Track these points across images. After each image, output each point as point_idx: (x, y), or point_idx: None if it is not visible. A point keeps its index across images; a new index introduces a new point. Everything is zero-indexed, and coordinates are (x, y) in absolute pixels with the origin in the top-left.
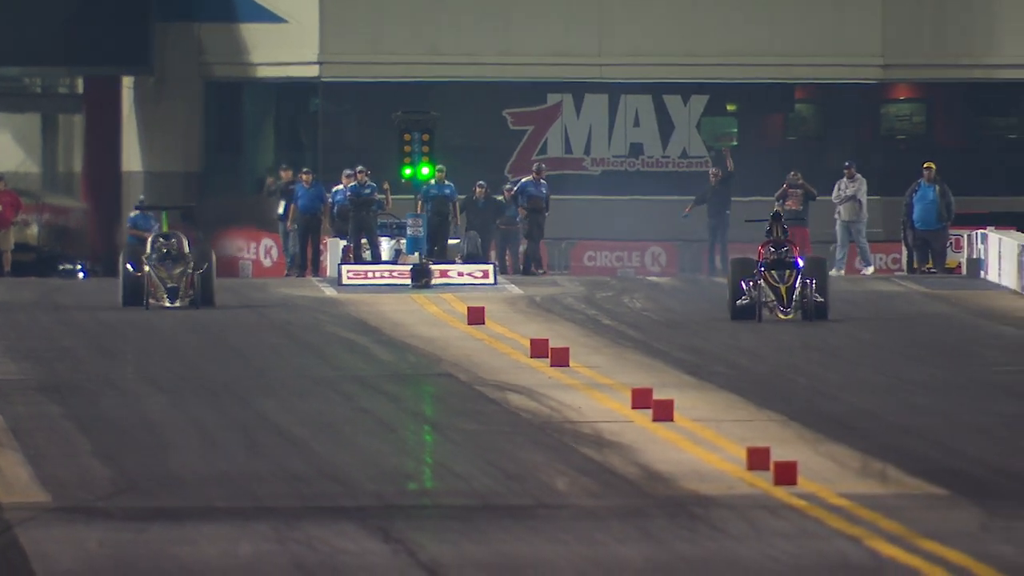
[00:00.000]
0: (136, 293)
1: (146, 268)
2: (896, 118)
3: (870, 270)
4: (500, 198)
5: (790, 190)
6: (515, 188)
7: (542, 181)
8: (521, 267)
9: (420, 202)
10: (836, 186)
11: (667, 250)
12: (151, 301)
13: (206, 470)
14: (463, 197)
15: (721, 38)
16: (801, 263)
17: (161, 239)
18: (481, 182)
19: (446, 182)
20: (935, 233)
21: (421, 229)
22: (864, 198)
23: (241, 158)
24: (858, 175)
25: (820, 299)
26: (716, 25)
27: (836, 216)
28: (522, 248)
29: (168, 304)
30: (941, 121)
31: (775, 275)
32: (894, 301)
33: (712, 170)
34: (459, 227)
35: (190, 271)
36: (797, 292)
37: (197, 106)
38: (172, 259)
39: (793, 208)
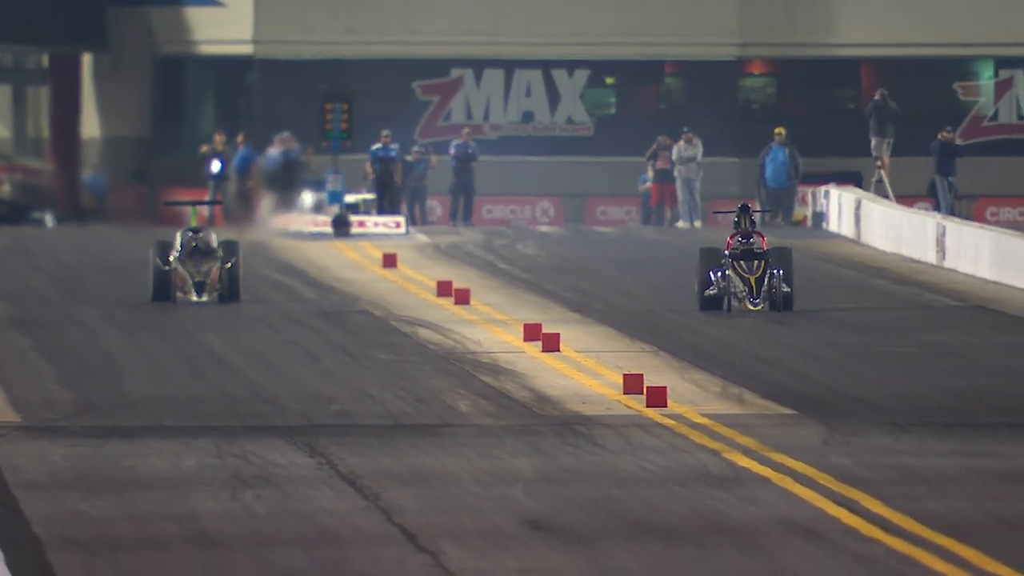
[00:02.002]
0: (165, 288)
1: (173, 263)
2: (751, 90)
3: (686, 224)
4: (409, 158)
5: (660, 151)
6: (453, 149)
7: (471, 142)
8: (461, 216)
9: (369, 163)
10: (675, 148)
11: (554, 204)
12: (179, 295)
13: (155, 394)
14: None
15: (601, 20)
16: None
17: (190, 233)
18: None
19: (391, 145)
20: (785, 190)
21: (340, 184)
22: (700, 159)
23: (185, 125)
24: (696, 139)
25: (787, 289)
26: (597, 9)
27: (676, 175)
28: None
29: (195, 298)
30: (790, 93)
31: (744, 266)
32: None
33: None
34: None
35: (218, 266)
36: (765, 283)
37: (147, 80)
38: (200, 253)
39: (662, 167)
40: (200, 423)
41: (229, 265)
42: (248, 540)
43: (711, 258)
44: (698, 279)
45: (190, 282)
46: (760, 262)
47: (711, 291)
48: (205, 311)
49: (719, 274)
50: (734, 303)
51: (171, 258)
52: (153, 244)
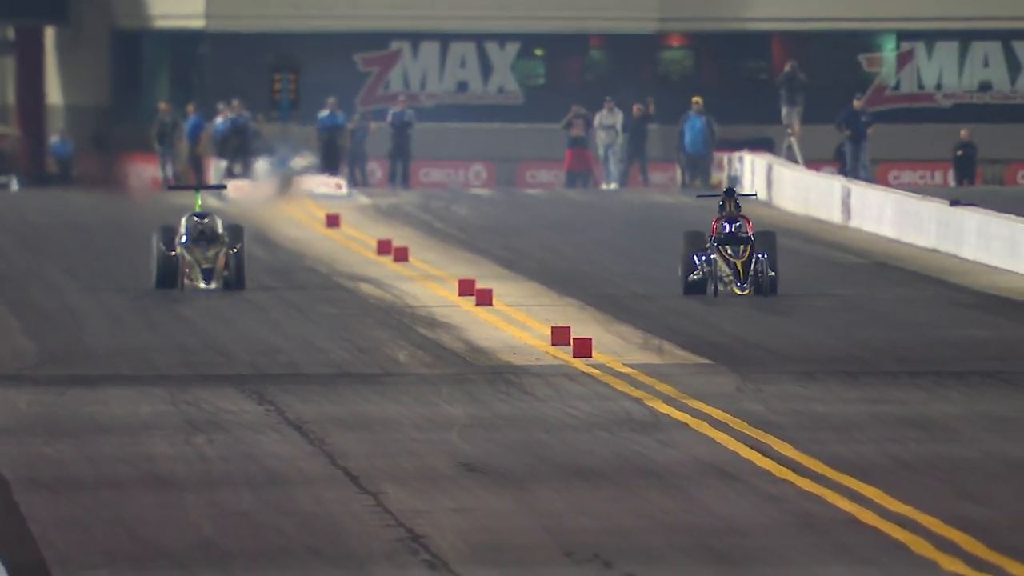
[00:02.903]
0: (170, 275)
1: (179, 249)
2: (671, 62)
3: (613, 186)
4: (350, 125)
5: (575, 119)
6: (390, 117)
7: (408, 110)
8: (400, 179)
9: (316, 129)
10: (597, 116)
11: (487, 168)
12: (185, 282)
13: (114, 345)
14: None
15: None
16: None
17: (195, 219)
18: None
19: (337, 112)
20: (702, 156)
21: (289, 150)
22: (619, 127)
23: (141, 95)
24: (616, 108)
25: (772, 273)
26: None
27: (597, 141)
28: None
29: (203, 285)
30: (706, 65)
31: (730, 250)
32: (668, 211)
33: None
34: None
35: (224, 251)
36: (751, 267)
37: (106, 52)
38: (207, 240)
39: (578, 134)
40: (156, 372)
41: (235, 251)
42: (200, 482)
43: (695, 242)
44: (682, 264)
45: (197, 269)
46: (746, 246)
47: (695, 275)
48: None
49: (703, 259)
50: (720, 288)
51: (176, 244)
52: (157, 230)
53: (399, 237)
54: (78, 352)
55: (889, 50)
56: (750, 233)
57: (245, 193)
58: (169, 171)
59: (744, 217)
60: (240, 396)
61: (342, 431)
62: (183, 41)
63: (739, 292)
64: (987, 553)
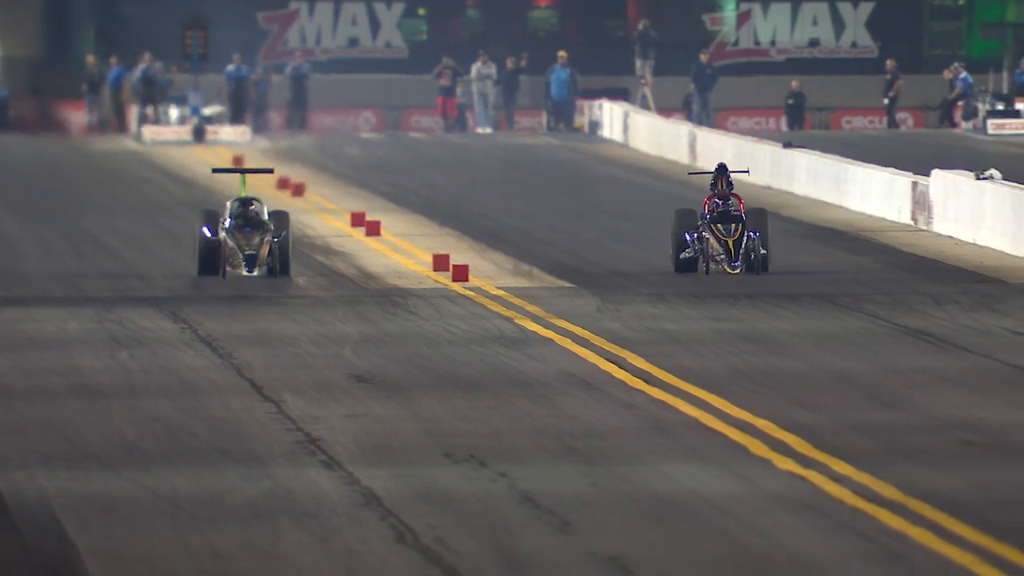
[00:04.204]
0: (212, 261)
1: (223, 234)
2: (539, 20)
3: (488, 130)
4: (254, 77)
5: (444, 70)
6: (289, 69)
7: (304, 64)
8: (297, 125)
9: (224, 81)
10: (474, 68)
11: (375, 114)
12: (228, 269)
13: (45, 270)
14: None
15: None
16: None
17: (241, 204)
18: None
19: (243, 66)
20: (566, 103)
21: (200, 99)
22: (493, 78)
23: (70, 48)
24: (490, 61)
25: (763, 251)
26: None
27: (471, 90)
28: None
29: (246, 272)
30: (570, 23)
31: (721, 228)
32: (537, 151)
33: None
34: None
35: (268, 238)
36: (743, 245)
37: (39, 9)
38: (251, 226)
39: (445, 84)
40: (83, 294)
41: (279, 238)
42: (123, 390)
43: (686, 220)
44: (673, 241)
45: (240, 256)
46: (738, 224)
47: (687, 253)
48: (84, 200)
49: (694, 236)
50: (712, 266)
51: (220, 229)
52: (200, 213)
53: (297, 175)
54: (13, 276)
55: (730, 10)
56: (742, 211)
57: (160, 136)
58: (95, 116)
59: (735, 195)
60: (158, 316)
61: (247, 346)
62: (107, 1)
63: (730, 271)
64: (815, 453)
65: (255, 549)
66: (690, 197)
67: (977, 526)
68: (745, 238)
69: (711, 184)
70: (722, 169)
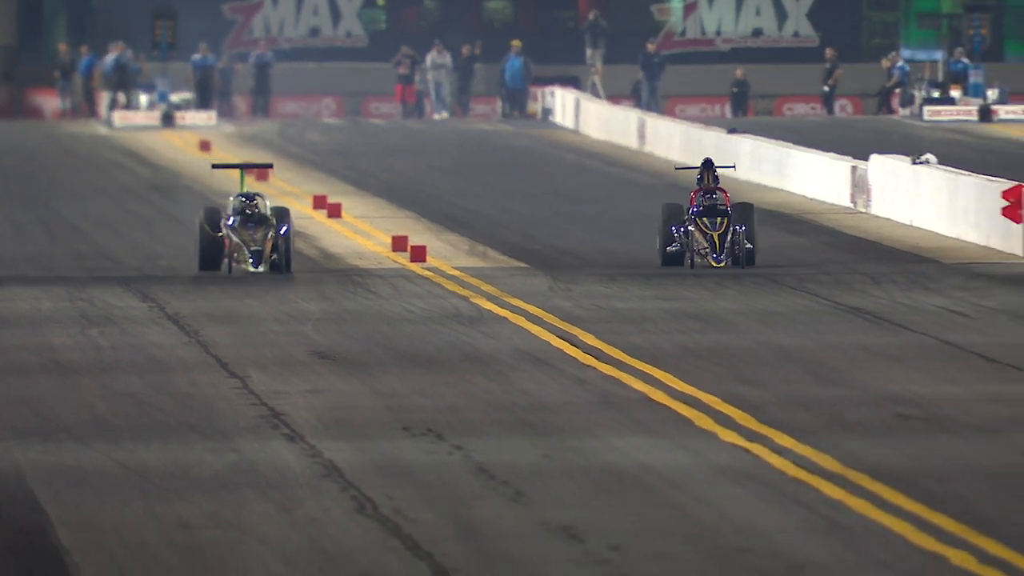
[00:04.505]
0: (214, 257)
1: (225, 230)
2: (493, 10)
3: (444, 115)
4: (220, 65)
5: (403, 59)
6: (253, 58)
7: (268, 52)
8: (261, 111)
9: (191, 69)
10: (429, 57)
11: (336, 101)
12: (232, 265)
13: (19, 251)
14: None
15: None
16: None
17: (243, 200)
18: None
19: (209, 54)
20: (520, 90)
21: (168, 86)
22: (449, 66)
23: (44, 37)
24: (445, 50)
25: (749, 246)
26: None
27: (428, 78)
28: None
29: (252, 269)
30: (524, 13)
31: (707, 222)
32: (492, 137)
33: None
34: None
35: (272, 234)
36: (728, 239)
37: (12, 0)
38: (254, 221)
39: (404, 72)
40: (55, 274)
41: (282, 233)
42: (93, 367)
43: (673, 214)
44: (659, 235)
45: (245, 252)
46: (723, 219)
47: (673, 247)
48: (56, 184)
49: (681, 230)
50: (697, 260)
51: (222, 225)
52: (201, 209)
53: (261, 159)
54: None
55: (677, 1)
56: (727, 206)
57: (130, 121)
58: (67, 102)
59: (722, 189)
60: (127, 295)
61: (213, 324)
62: None
63: (716, 265)
64: (758, 427)
65: (221, 519)
66: (641, 182)
67: (912, 495)
68: (731, 232)
69: (697, 178)
70: (708, 164)
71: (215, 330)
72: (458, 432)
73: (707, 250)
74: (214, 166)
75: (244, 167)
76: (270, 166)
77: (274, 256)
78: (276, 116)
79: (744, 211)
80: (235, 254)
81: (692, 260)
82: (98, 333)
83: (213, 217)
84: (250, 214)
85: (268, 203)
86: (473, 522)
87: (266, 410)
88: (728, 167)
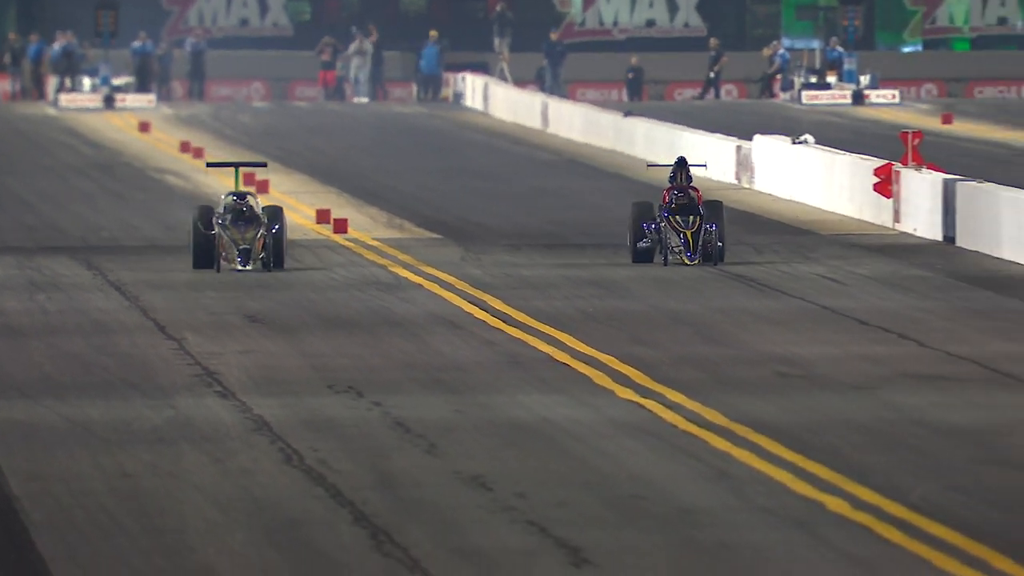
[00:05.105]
0: (207, 255)
1: (217, 229)
2: (409, 2)
3: (364, 100)
4: (159, 52)
5: (325, 47)
6: (189, 46)
7: (202, 41)
8: (196, 94)
9: (131, 56)
10: (352, 45)
11: (264, 85)
12: (222, 263)
13: None
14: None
15: None
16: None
17: (235, 198)
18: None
19: (148, 42)
20: (434, 76)
21: (109, 71)
22: (370, 52)
23: None
24: (367, 40)
25: (720, 243)
26: None
27: (349, 64)
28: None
29: (240, 267)
30: (437, 3)
31: (680, 220)
32: (408, 119)
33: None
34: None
35: (263, 232)
36: (700, 237)
37: None
38: (246, 220)
39: (326, 59)
40: (4, 244)
41: (274, 231)
42: (41, 330)
43: (644, 211)
44: (630, 231)
45: (235, 250)
46: (696, 217)
47: (644, 244)
48: (3, 160)
49: (652, 227)
50: (670, 257)
51: (214, 224)
52: (194, 208)
53: (196, 139)
54: None
55: None
56: (700, 204)
57: (75, 103)
58: (17, 86)
59: (694, 188)
60: (73, 263)
61: (152, 291)
62: None
63: (688, 263)
64: (652, 384)
65: (160, 469)
66: (544, 159)
67: (792, 447)
68: (703, 230)
69: (670, 177)
70: (682, 162)
71: (154, 296)
72: (377, 390)
73: (680, 248)
74: (208, 164)
75: (238, 166)
76: (264, 164)
77: (263, 255)
78: (210, 99)
79: (715, 209)
80: (225, 252)
81: (666, 257)
82: (45, 299)
83: (205, 216)
84: (242, 212)
85: (259, 203)
86: (391, 472)
87: (201, 369)
88: (700, 165)
